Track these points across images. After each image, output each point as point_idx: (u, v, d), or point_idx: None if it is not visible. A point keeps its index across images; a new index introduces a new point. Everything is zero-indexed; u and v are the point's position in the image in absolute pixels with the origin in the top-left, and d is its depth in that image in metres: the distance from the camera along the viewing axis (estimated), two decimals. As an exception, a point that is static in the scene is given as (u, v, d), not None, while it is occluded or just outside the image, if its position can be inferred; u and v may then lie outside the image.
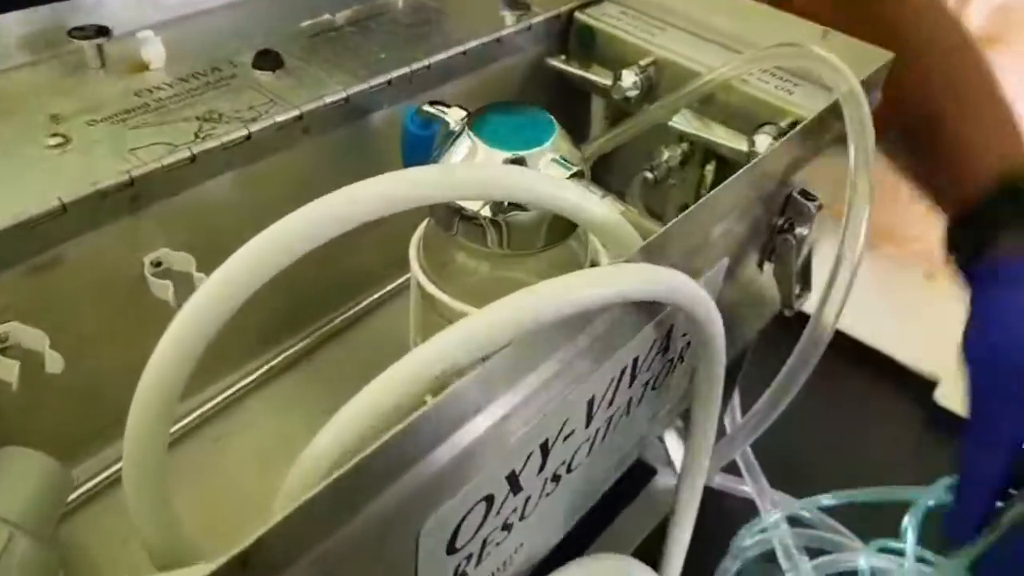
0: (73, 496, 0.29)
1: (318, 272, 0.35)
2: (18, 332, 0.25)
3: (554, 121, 0.29)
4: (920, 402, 0.57)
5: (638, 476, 0.50)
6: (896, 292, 0.64)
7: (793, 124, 0.36)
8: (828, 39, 0.37)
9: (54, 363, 0.25)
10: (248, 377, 0.35)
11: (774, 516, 0.44)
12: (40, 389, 0.26)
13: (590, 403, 0.25)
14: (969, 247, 0.43)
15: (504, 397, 0.20)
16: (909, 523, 0.44)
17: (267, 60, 0.37)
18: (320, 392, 0.36)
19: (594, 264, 0.32)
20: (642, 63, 0.39)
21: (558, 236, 0.29)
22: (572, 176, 0.28)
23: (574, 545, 0.32)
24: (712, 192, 0.26)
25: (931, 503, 0.45)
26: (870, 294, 0.63)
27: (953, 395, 0.55)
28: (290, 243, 0.21)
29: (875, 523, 0.45)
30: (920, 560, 0.43)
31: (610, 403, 0.26)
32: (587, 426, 0.26)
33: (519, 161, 0.28)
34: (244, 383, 0.35)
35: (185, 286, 0.29)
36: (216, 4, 0.43)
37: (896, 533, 0.44)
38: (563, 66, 0.42)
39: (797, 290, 0.34)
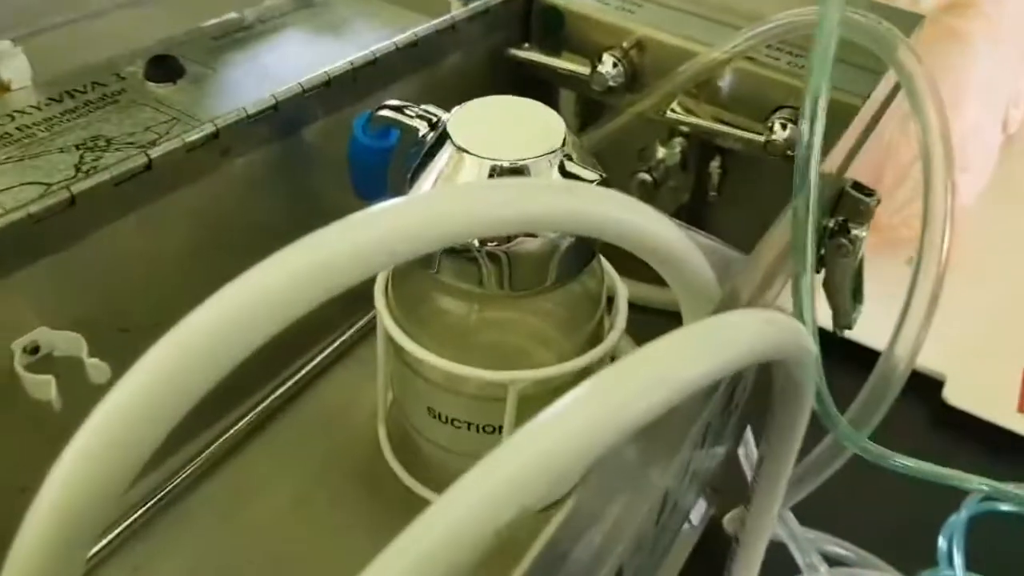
0: None
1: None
2: None
3: (557, 116, 0.23)
4: (927, 401, 0.52)
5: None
6: (880, 284, 0.59)
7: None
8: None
9: None
10: (178, 476, 0.27)
11: (812, 557, 0.38)
12: None
13: (664, 499, 0.18)
14: None
15: (587, 538, 0.13)
16: (946, 546, 0.40)
17: (164, 69, 0.29)
18: (273, 483, 0.29)
19: (611, 299, 0.26)
20: (624, 45, 0.33)
21: (574, 269, 0.23)
22: (597, 185, 0.21)
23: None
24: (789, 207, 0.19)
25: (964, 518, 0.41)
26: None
27: (961, 393, 0.50)
28: (258, 318, 0.14)
29: (911, 548, 0.40)
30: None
31: (675, 505, 0.20)
32: (656, 523, 0.19)
33: (520, 171, 0.21)
34: (172, 484, 0.27)
35: (74, 377, 0.21)
36: (97, 6, 0.34)
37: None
38: (527, 56, 0.35)
39: (850, 303, 0.28)
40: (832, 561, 0.40)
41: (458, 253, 0.22)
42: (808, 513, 0.41)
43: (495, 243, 0.21)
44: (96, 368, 0.21)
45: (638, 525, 0.16)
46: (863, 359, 0.51)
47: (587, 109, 0.36)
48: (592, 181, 0.21)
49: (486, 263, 0.22)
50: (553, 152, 0.21)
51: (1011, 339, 0.54)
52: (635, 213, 0.17)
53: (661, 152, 0.33)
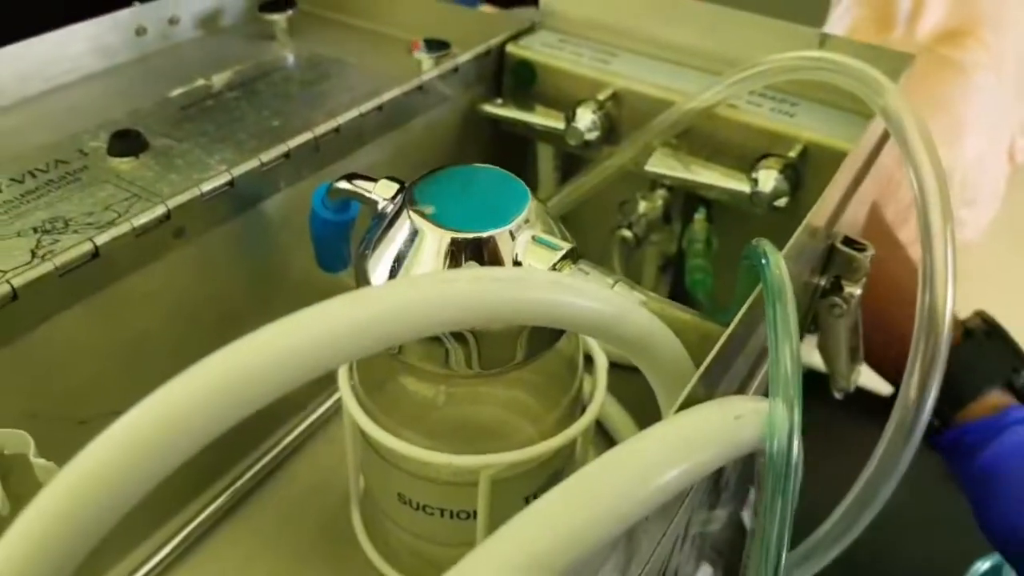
0: None
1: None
2: None
3: (522, 185, 0.21)
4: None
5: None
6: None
7: (803, 153, 0.29)
8: (828, 46, 0.30)
9: None
10: (151, 560, 0.26)
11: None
12: None
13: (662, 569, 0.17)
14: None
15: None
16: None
17: (126, 143, 0.29)
18: (248, 568, 0.27)
19: (587, 358, 0.24)
20: (599, 98, 0.32)
21: (545, 342, 0.21)
22: (564, 257, 0.20)
23: None
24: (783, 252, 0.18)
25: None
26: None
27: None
28: (207, 416, 0.12)
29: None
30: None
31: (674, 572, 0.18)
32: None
33: (484, 245, 0.20)
34: (148, 568, 0.26)
35: (20, 477, 0.20)
36: (62, 80, 0.34)
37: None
38: (500, 111, 0.34)
39: (847, 363, 0.27)
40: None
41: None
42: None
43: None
44: (43, 468, 0.20)
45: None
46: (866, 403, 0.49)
47: (566, 162, 0.35)
48: (559, 250, 0.20)
49: (452, 344, 0.20)
50: (516, 223, 0.20)
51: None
52: (594, 300, 0.16)
53: (642, 206, 0.31)
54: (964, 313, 0.44)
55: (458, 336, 0.20)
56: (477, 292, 0.15)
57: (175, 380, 0.13)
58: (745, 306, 0.16)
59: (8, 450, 0.21)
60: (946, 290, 0.23)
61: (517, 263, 0.20)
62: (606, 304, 0.16)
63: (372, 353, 0.14)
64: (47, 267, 0.21)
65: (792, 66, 0.27)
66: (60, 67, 0.34)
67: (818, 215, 0.22)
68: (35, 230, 0.25)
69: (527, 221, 0.20)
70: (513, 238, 0.20)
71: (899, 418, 0.23)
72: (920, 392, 0.23)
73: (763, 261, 0.16)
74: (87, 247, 0.22)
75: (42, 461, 0.20)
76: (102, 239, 0.22)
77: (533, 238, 0.20)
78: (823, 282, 0.25)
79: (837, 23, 0.58)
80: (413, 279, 0.16)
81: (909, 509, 0.46)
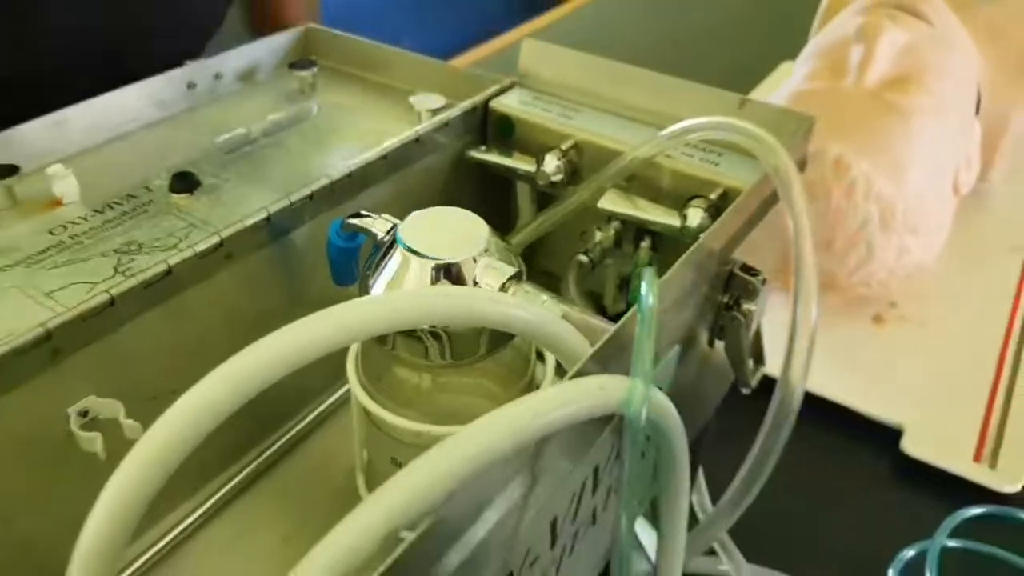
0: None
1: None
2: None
3: (483, 223, 0.29)
4: (886, 452, 0.56)
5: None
6: (845, 340, 0.64)
7: (723, 195, 0.36)
8: (746, 108, 0.37)
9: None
10: (181, 524, 0.33)
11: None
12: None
13: (553, 524, 0.24)
14: None
15: (464, 538, 0.19)
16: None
17: (184, 182, 0.36)
18: (266, 525, 0.34)
19: (540, 358, 0.32)
20: (563, 147, 0.39)
21: (502, 340, 0.29)
22: (510, 279, 0.27)
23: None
24: (664, 279, 0.25)
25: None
26: (818, 345, 0.63)
27: (919, 443, 0.54)
28: (241, 385, 0.20)
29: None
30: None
31: (574, 519, 0.25)
32: (552, 547, 0.25)
33: (453, 269, 0.27)
34: (177, 531, 0.33)
35: (115, 434, 0.28)
36: (128, 129, 0.42)
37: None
38: (484, 157, 0.41)
39: (751, 365, 0.34)
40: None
41: (407, 334, 0.28)
42: (761, 549, 0.45)
43: (435, 324, 0.27)
44: (131, 428, 0.28)
45: (515, 539, 0.21)
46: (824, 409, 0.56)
47: (539, 198, 0.43)
48: (507, 274, 0.27)
49: (430, 341, 0.28)
50: (478, 253, 0.28)
51: (969, 392, 0.58)
52: (520, 310, 0.23)
53: (598, 235, 0.39)
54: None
55: (435, 334, 0.27)
56: (440, 302, 0.23)
57: (234, 358, 0.20)
58: (628, 315, 0.23)
59: (103, 415, 0.28)
60: (811, 301, 0.30)
61: (476, 283, 0.27)
62: (529, 313, 0.23)
63: (370, 337, 0.21)
64: (133, 281, 0.29)
65: (709, 126, 0.34)
66: (125, 118, 0.42)
67: (709, 241, 0.29)
68: (115, 251, 0.32)
69: (486, 250, 0.28)
70: (475, 263, 0.27)
71: (778, 401, 0.30)
72: (794, 379, 0.30)
73: (642, 289, 0.23)
74: (163, 266, 0.29)
75: (130, 422, 0.28)
76: (173, 260, 0.29)
77: (488, 264, 0.27)
78: (726, 299, 0.32)
79: (800, 69, 0.65)
80: (398, 292, 0.23)
81: (839, 501, 0.52)
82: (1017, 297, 0.68)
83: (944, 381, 0.59)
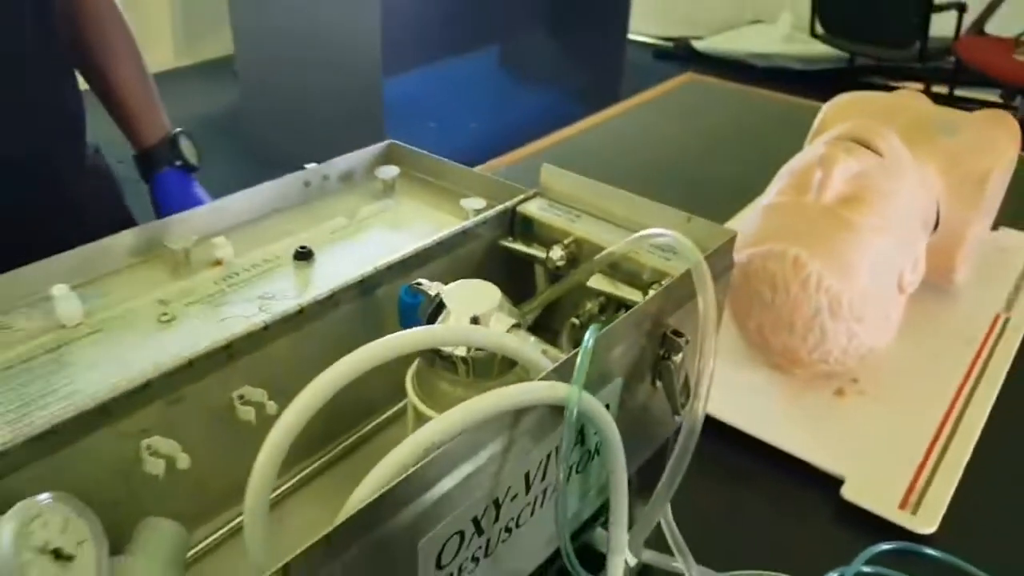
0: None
1: (337, 402, 0.49)
2: (159, 442, 0.39)
3: (498, 291, 0.45)
4: (828, 497, 0.70)
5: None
6: (809, 407, 0.78)
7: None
8: (692, 223, 0.53)
9: (183, 462, 0.39)
10: (275, 492, 0.49)
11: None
12: (170, 480, 0.40)
13: (527, 476, 0.39)
14: None
15: (463, 466, 0.35)
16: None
17: (304, 254, 0.53)
18: (339, 498, 0.50)
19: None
20: (565, 242, 0.55)
21: (507, 367, 0.44)
22: (512, 327, 0.43)
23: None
24: (601, 332, 0.41)
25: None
26: (785, 408, 0.77)
27: (857, 491, 0.68)
28: (341, 376, 0.36)
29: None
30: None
31: (543, 478, 0.41)
32: (527, 492, 0.40)
33: (477, 319, 0.43)
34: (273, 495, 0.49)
35: (260, 411, 0.44)
36: (265, 212, 0.59)
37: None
38: (511, 245, 0.58)
39: (682, 400, 0.48)
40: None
41: (444, 358, 0.43)
42: (712, 559, 0.59)
43: (464, 352, 0.43)
44: (271, 407, 0.44)
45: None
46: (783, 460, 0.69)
47: (551, 277, 0.58)
48: (510, 322, 0.43)
49: (460, 364, 0.43)
50: (493, 310, 0.43)
51: (906, 455, 0.72)
52: (509, 341, 0.39)
53: (588, 305, 0.54)
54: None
55: (464, 360, 0.43)
56: (461, 333, 0.39)
57: (341, 360, 0.36)
58: (577, 349, 0.39)
59: (254, 398, 0.44)
60: (710, 357, 0.45)
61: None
62: (514, 343, 0.39)
63: (421, 348, 0.37)
64: (278, 315, 0.45)
65: (656, 235, 0.49)
66: (264, 205, 0.59)
67: (639, 309, 0.44)
68: (258, 297, 0.49)
69: (499, 307, 0.44)
70: (490, 316, 0.43)
71: (687, 427, 0.45)
72: (695, 412, 0.45)
73: (587, 335, 0.39)
74: (297, 307, 0.46)
75: (271, 403, 0.44)
76: (303, 301, 0.46)
77: (498, 315, 0.43)
78: (662, 352, 0.47)
79: (774, 185, 0.81)
80: (439, 327, 0.39)
81: (786, 531, 0.66)
82: (964, 381, 0.82)
83: (886, 445, 0.73)
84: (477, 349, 0.42)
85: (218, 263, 0.53)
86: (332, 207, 0.61)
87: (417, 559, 0.34)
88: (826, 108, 1.00)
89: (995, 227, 1.01)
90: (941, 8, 3.21)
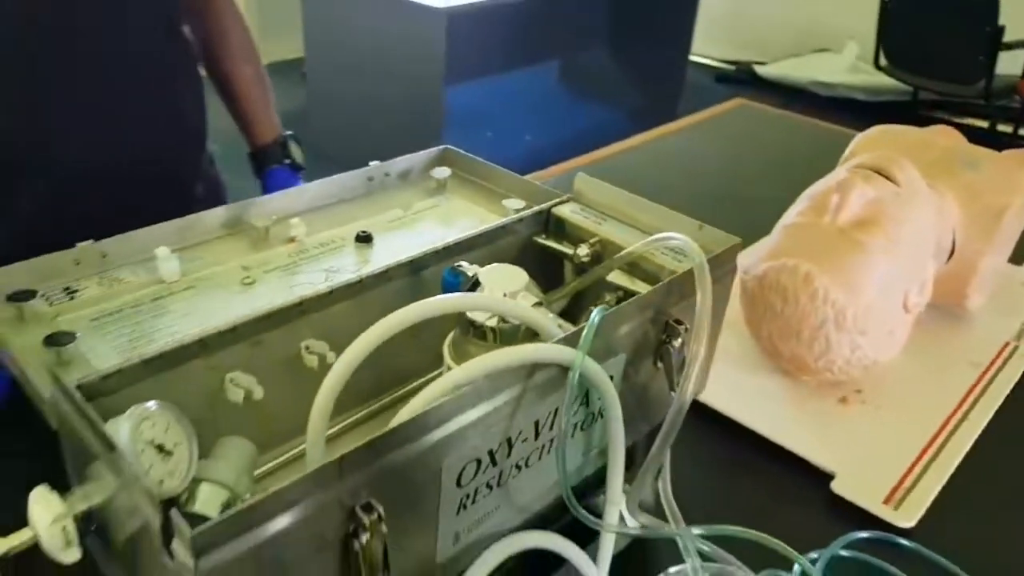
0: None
1: (386, 367, 0.58)
2: (240, 376, 0.48)
3: (525, 274, 0.53)
4: (820, 491, 0.77)
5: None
6: (811, 411, 0.85)
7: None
8: (703, 231, 0.61)
9: (258, 394, 0.48)
10: (334, 428, 0.58)
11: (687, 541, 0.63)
12: (246, 408, 0.49)
13: (536, 423, 0.47)
14: None
15: (482, 405, 0.43)
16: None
17: (364, 238, 0.62)
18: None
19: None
20: (591, 241, 0.63)
21: (530, 338, 0.52)
22: (535, 304, 0.51)
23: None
24: (607, 312, 0.48)
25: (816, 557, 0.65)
26: (790, 410, 0.84)
27: (845, 486, 0.75)
28: (388, 330, 0.44)
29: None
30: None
31: (550, 428, 0.49)
32: (536, 438, 0.48)
33: (508, 294, 0.52)
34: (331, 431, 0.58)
35: (322, 360, 0.52)
36: (331, 202, 0.68)
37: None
38: (544, 242, 0.66)
39: (678, 379, 0.56)
40: (704, 556, 0.65)
41: (476, 328, 0.52)
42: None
43: (493, 322, 0.51)
44: (331, 356, 0.52)
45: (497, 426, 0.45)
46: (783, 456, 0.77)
47: (577, 271, 0.66)
48: (534, 300, 0.51)
49: (489, 332, 0.52)
50: (518, 289, 0.52)
51: (897, 460, 0.78)
52: (517, 308, 0.47)
53: (608, 297, 0.62)
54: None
55: (493, 329, 0.51)
56: (488, 301, 0.47)
57: (386, 318, 0.45)
58: (588, 323, 0.47)
59: (317, 350, 0.53)
60: (701, 345, 0.52)
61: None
62: (533, 313, 0.47)
63: (456, 311, 0.46)
64: (342, 283, 0.54)
65: (668, 238, 0.57)
66: (330, 195, 0.68)
67: (642, 298, 0.52)
68: (324, 271, 0.58)
69: (526, 288, 0.52)
70: (517, 294, 0.51)
71: (677, 404, 0.52)
72: (685, 392, 0.52)
73: (595, 315, 0.47)
74: (356, 279, 0.55)
75: (332, 353, 0.52)
76: (362, 274, 0.55)
77: (524, 294, 0.51)
78: (663, 337, 0.55)
79: (796, 207, 0.88)
80: (465, 294, 0.48)
81: (778, 517, 0.72)
82: (965, 398, 0.87)
83: (880, 448, 0.79)
84: (503, 321, 0.51)
85: (292, 240, 0.62)
86: (390, 200, 0.70)
87: (442, 475, 0.42)
88: (858, 138, 1.06)
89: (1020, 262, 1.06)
90: (1010, 47, 3.20)
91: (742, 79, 4.46)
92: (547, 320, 0.49)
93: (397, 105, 3.06)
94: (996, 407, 0.86)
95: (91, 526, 0.41)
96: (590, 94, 4.06)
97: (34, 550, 0.41)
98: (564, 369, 0.46)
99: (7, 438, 0.60)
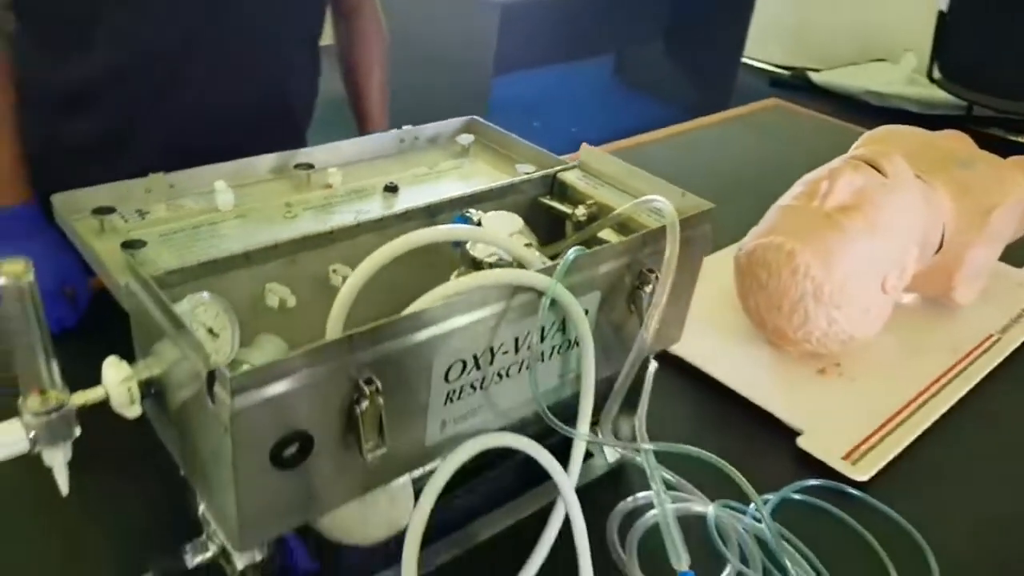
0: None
1: (401, 298, 0.68)
2: (277, 287, 0.59)
3: (520, 220, 0.62)
4: (787, 445, 0.85)
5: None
6: (791, 379, 0.93)
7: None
8: (686, 197, 0.69)
9: (291, 302, 0.59)
10: None
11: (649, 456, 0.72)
12: (280, 314, 0.59)
13: (516, 339, 0.57)
14: None
15: (470, 314, 0.52)
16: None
17: (391, 188, 0.72)
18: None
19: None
20: (588, 203, 0.72)
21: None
22: (526, 245, 0.61)
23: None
24: (582, 253, 0.57)
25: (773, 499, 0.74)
26: (771, 376, 0.92)
27: (810, 442, 0.83)
28: (396, 249, 0.54)
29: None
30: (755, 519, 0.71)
31: (528, 347, 0.58)
32: (516, 353, 0.57)
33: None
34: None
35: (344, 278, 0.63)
36: (367, 157, 0.79)
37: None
38: (549, 202, 0.75)
39: (646, 321, 0.65)
40: (668, 486, 0.74)
41: (478, 264, 0.61)
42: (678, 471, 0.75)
43: (492, 259, 0.60)
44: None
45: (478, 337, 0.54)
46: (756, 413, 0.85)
47: (576, 228, 0.76)
48: (526, 242, 0.61)
49: (487, 267, 0.61)
50: (513, 232, 0.61)
51: (862, 423, 0.86)
52: (505, 241, 0.57)
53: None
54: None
55: (491, 265, 0.61)
56: (481, 233, 0.57)
57: (391, 242, 0.55)
58: (564, 258, 0.56)
59: (343, 273, 0.63)
60: (663, 295, 0.61)
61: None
62: (518, 246, 0.57)
63: (456, 239, 0.56)
64: (367, 219, 0.64)
65: (648, 201, 0.66)
66: (364, 152, 0.79)
67: (618, 245, 0.61)
68: (355, 212, 0.69)
69: (520, 231, 0.61)
70: (511, 236, 0.61)
71: (637, 344, 0.62)
72: (646, 335, 0.61)
73: (571, 252, 0.56)
74: (379, 215, 0.65)
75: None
76: (387, 213, 0.65)
77: (517, 234, 0.61)
78: (636, 283, 0.64)
79: (792, 190, 0.95)
80: (461, 226, 0.57)
81: (748, 463, 0.81)
82: (939, 379, 0.94)
83: (847, 413, 0.87)
84: (501, 260, 0.60)
85: (329, 186, 0.72)
86: (418, 159, 0.80)
87: (432, 368, 0.52)
88: (865, 136, 1.13)
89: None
90: (1073, 64, 3.18)
91: (797, 85, 4.47)
92: (533, 256, 0.58)
93: (444, 90, 3.16)
94: (969, 388, 0.93)
95: (151, 389, 0.52)
96: (641, 90, 4.12)
97: (103, 405, 0.51)
98: (541, 294, 0.56)
99: (83, 342, 0.72)
